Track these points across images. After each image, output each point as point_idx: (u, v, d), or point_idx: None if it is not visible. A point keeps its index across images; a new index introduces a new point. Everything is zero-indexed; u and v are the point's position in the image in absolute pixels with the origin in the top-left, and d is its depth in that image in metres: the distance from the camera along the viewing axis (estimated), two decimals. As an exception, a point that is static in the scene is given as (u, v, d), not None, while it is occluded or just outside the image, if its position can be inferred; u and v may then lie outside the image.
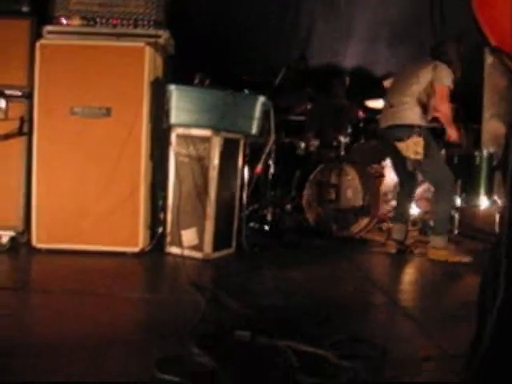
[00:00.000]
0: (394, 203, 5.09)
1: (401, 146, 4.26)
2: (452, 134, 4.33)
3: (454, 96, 4.31)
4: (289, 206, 5.24)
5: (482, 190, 4.96)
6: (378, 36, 6.47)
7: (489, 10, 1.28)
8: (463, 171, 4.99)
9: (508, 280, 1.50)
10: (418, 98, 4.27)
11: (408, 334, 2.53)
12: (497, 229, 5.04)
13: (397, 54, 6.28)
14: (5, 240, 3.75)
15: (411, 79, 4.32)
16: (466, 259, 4.17)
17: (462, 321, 2.71)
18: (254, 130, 3.87)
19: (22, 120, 3.73)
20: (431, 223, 4.60)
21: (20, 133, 3.72)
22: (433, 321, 2.74)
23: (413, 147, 4.17)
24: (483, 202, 4.98)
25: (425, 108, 4.28)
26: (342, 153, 5.41)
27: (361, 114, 5.77)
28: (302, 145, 5.54)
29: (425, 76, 4.26)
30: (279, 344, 2.11)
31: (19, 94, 3.73)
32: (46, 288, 2.90)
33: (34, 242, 3.70)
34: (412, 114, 4.25)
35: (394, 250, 4.45)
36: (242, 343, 2.15)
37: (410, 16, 6.31)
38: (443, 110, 4.24)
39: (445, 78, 4.20)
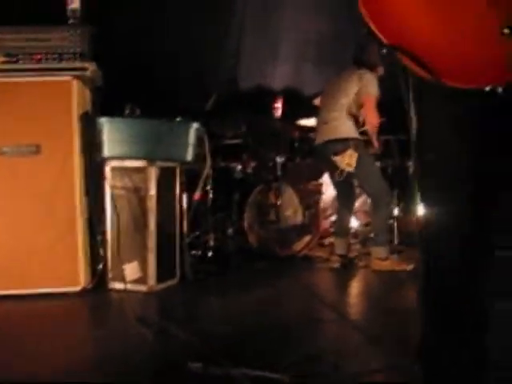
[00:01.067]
0: (333, 218, 5.15)
1: (337, 159, 4.32)
2: (375, 143, 4.42)
3: (382, 107, 4.40)
4: (230, 230, 5.21)
5: (418, 198, 5.08)
6: (305, 56, 6.58)
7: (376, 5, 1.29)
8: (398, 181, 5.11)
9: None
10: (349, 110, 4.35)
11: (359, 347, 2.54)
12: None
13: (324, 72, 6.38)
14: None
15: (339, 93, 4.41)
16: (410, 267, 4.25)
17: (411, 328, 2.75)
18: (189, 156, 3.85)
19: None
20: (372, 235, 4.67)
21: None
22: (381, 331, 2.77)
23: (347, 159, 4.24)
24: (420, 210, 5.09)
25: (357, 119, 4.36)
26: (279, 173, 5.44)
27: (294, 133, 5.83)
28: (239, 168, 5.54)
29: (351, 88, 4.35)
30: (233, 372, 2.08)
31: None
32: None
33: (-33, 290, 3.53)
34: (345, 128, 4.33)
35: (338, 265, 4.50)
36: (195, 375, 2.11)
37: (334, 33, 6.44)
38: (370, 119, 4.32)
39: (371, 88, 4.29)
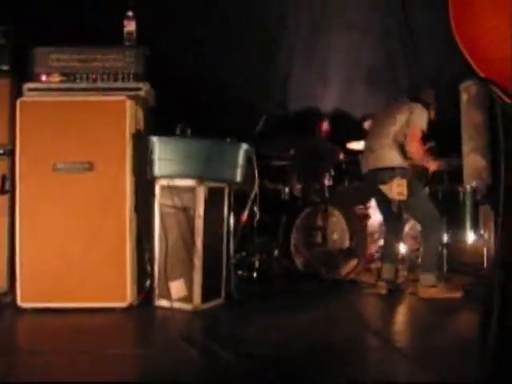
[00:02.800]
0: (381, 243, 5.08)
1: (384, 188, 4.29)
2: (430, 165, 4.36)
3: (430, 135, 4.35)
4: (276, 252, 5.19)
5: (468, 225, 4.98)
6: (354, 78, 6.56)
7: (470, 36, 1.29)
8: (448, 207, 5.01)
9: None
10: (395, 139, 4.30)
11: (407, 376, 2.49)
12: (485, 263, 5.06)
13: (374, 95, 6.36)
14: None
15: (388, 121, 4.38)
16: (457, 294, 4.16)
17: (460, 356, 2.69)
18: (238, 177, 3.86)
19: (3, 178, 3.69)
20: (420, 261, 4.58)
21: (2, 191, 3.68)
22: (430, 359, 2.70)
23: (396, 189, 4.19)
24: (469, 237, 4.99)
25: (404, 149, 4.30)
26: (327, 195, 5.41)
27: (342, 156, 5.80)
28: (286, 190, 5.54)
29: (401, 117, 4.31)
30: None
31: (1, 152, 3.70)
32: (34, 349, 2.81)
33: (19, 302, 3.61)
34: (392, 156, 4.29)
35: (384, 291, 4.42)
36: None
37: (384, 56, 6.42)
38: (412, 149, 4.26)
39: (419, 119, 4.26)
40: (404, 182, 4.18)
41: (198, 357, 2.62)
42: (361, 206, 5.37)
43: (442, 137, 4.87)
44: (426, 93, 4.48)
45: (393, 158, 4.28)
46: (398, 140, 4.30)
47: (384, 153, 4.32)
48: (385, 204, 4.47)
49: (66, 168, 3.64)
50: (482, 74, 1.30)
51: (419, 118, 4.26)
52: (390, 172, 4.25)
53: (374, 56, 6.41)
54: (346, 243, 4.98)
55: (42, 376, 2.44)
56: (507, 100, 1.33)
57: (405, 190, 4.18)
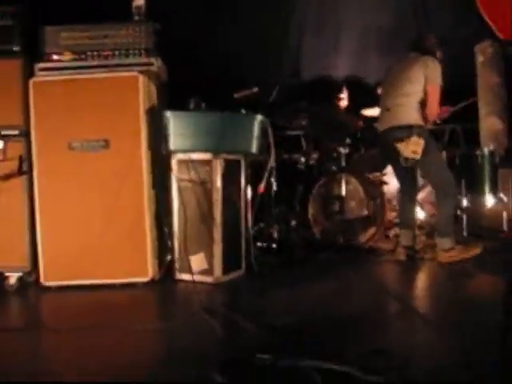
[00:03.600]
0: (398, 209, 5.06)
1: (400, 146, 4.22)
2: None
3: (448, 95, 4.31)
4: (294, 222, 5.20)
5: (487, 189, 4.94)
6: (367, 45, 6.50)
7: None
8: (466, 171, 4.97)
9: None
10: (414, 97, 4.24)
11: (429, 341, 2.50)
12: (504, 227, 5.03)
13: (387, 62, 6.28)
14: (13, 281, 3.71)
15: (403, 80, 4.30)
16: (477, 250, 4.15)
17: (481, 323, 2.69)
18: (254, 149, 3.85)
19: (20, 159, 3.71)
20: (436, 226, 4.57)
21: (20, 172, 3.70)
22: (452, 325, 2.71)
23: (412, 147, 4.13)
24: (489, 201, 4.96)
25: (422, 107, 4.25)
26: (343, 164, 5.39)
27: (361, 124, 5.75)
28: (302, 159, 5.51)
29: (416, 74, 4.23)
30: (302, 364, 2.08)
31: (16, 133, 3.72)
32: (59, 326, 2.85)
33: (43, 280, 3.66)
34: (409, 115, 4.23)
35: (403, 257, 4.42)
36: (264, 367, 2.11)
37: (396, 22, 6.34)
38: (433, 110, 4.22)
39: (435, 76, 4.19)
40: (421, 141, 4.13)
41: (220, 329, 2.65)
42: (377, 173, 5.35)
43: (458, 99, 4.84)
44: (428, 38, 4.41)
45: (410, 116, 4.23)
46: (416, 98, 4.24)
47: (401, 111, 4.26)
48: (401, 166, 4.42)
49: (81, 146, 3.65)
50: (499, 34, 1.26)
51: (435, 73, 4.19)
52: (408, 130, 4.19)
53: (386, 22, 6.33)
54: (364, 211, 4.96)
55: (68, 350, 2.48)
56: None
57: (419, 149, 4.12)
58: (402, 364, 2.12)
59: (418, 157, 4.14)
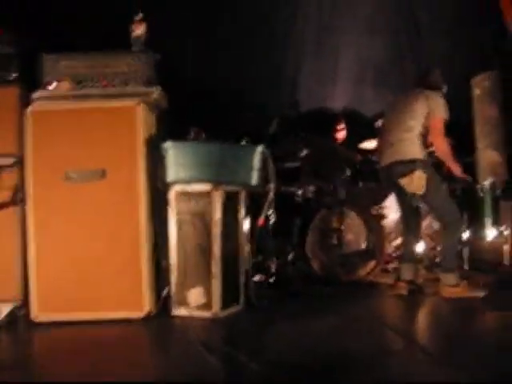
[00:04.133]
0: (398, 242, 4.99)
1: (404, 181, 4.18)
2: (455, 169, 4.26)
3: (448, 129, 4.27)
4: (291, 255, 5.11)
5: (488, 222, 4.89)
6: (363, 77, 6.52)
7: None
8: (467, 204, 4.92)
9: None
10: (416, 132, 4.22)
11: (434, 377, 2.40)
12: (505, 260, 4.96)
13: (384, 94, 6.29)
14: (3, 314, 3.58)
15: (406, 114, 4.28)
16: (482, 293, 4.07)
17: (489, 360, 2.61)
18: (254, 180, 3.78)
19: (15, 189, 3.63)
20: (439, 260, 4.49)
21: (14, 202, 3.61)
22: (457, 362, 2.61)
23: (416, 182, 4.09)
24: (490, 234, 4.90)
25: (425, 141, 4.23)
26: (342, 197, 5.33)
27: (359, 157, 5.72)
28: (300, 192, 5.45)
29: (419, 109, 4.21)
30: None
31: (11, 162, 3.64)
32: (50, 367, 2.69)
33: (34, 315, 3.53)
34: (413, 149, 4.20)
35: (405, 292, 4.33)
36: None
37: (391, 54, 6.37)
38: (439, 145, 4.19)
39: (439, 110, 4.17)
40: (424, 175, 4.09)
41: (219, 365, 2.54)
42: (376, 206, 5.29)
43: (454, 134, 4.81)
44: (434, 74, 4.40)
45: (413, 151, 4.19)
46: (418, 133, 4.21)
47: (404, 146, 4.23)
48: (404, 200, 4.37)
49: (78, 176, 3.57)
50: None
51: (439, 107, 4.17)
52: (411, 164, 4.15)
53: (383, 55, 6.36)
54: (363, 244, 4.90)
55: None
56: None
57: (423, 184, 4.08)
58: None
59: (421, 192, 4.09)
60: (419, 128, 4.21)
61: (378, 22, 6.31)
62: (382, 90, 6.38)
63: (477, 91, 6.12)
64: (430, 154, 4.33)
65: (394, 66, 6.40)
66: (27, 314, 3.59)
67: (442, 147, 4.19)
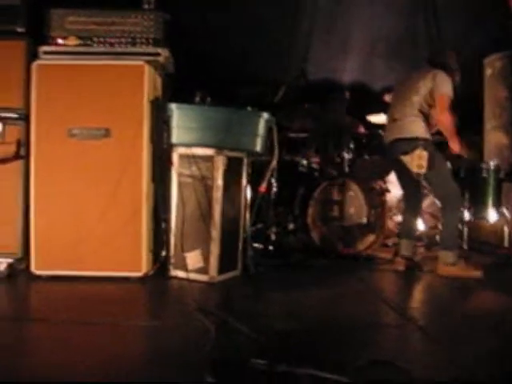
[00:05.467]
0: (399, 218, 4.99)
1: (405, 159, 4.17)
2: (454, 146, 4.22)
3: (455, 108, 4.22)
4: (292, 226, 5.12)
5: (490, 203, 4.86)
6: (376, 51, 6.43)
7: None
8: (470, 184, 4.89)
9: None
10: (420, 109, 4.18)
11: (429, 355, 2.42)
12: (505, 242, 4.96)
13: (395, 69, 6.22)
14: (2, 267, 3.61)
15: (411, 91, 4.25)
16: (477, 274, 4.07)
17: (480, 338, 2.62)
18: (258, 147, 3.77)
19: (18, 143, 3.63)
20: (438, 238, 4.49)
21: (17, 156, 3.62)
22: (451, 339, 2.63)
23: (417, 160, 4.07)
24: (491, 215, 4.88)
25: (428, 119, 4.20)
26: (346, 169, 5.31)
27: (362, 129, 5.68)
28: (304, 162, 5.44)
29: (424, 86, 4.18)
30: (299, 372, 1.99)
31: (16, 116, 3.63)
32: (48, 317, 2.76)
33: (33, 269, 3.57)
34: (415, 127, 4.17)
35: (402, 268, 4.34)
36: (258, 371, 2.03)
37: (406, 30, 6.28)
38: (444, 120, 4.14)
39: (444, 87, 4.12)
40: (425, 154, 4.06)
41: (213, 330, 2.56)
42: (379, 181, 5.27)
43: (463, 112, 4.77)
44: (449, 56, 4.33)
45: (416, 129, 4.17)
46: (422, 110, 4.19)
47: (407, 123, 4.20)
48: (405, 177, 4.35)
49: (81, 134, 3.57)
50: None
51: (444, 85, 4.12)
52: (413, 142, 4.13)
53: (396, 28, 6.26)
54: (364, 218, 4.89)
55: (54, 343, 2.39)
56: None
57: (424, 163, 4.06)
58: (402, 378, 2.04)
59: (423, 170, 4.07)
60: (422, 104, 4.17)
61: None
62: (394, 64, 6.30)
63: (488, 71, 6.06)
64: (433, 135, 4.30)
65: (406, 41, 6.30)
66: (27, 268, 3.63)
67: (446, 122, 4.14)
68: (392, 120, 4.36)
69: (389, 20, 6.20)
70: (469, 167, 4.97)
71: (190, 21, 4.94)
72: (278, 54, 5.94)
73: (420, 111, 4.19)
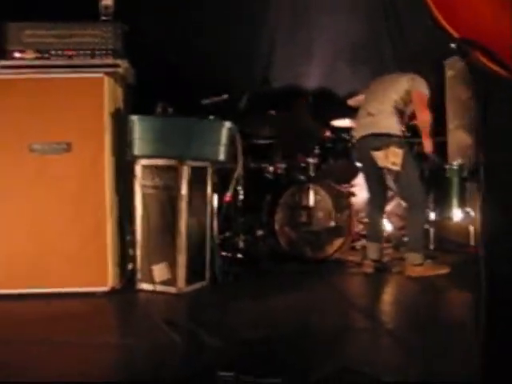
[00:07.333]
0: (366, 220, 5.02)
1: (378, 155, 4.18)
2: (427, 144, 4.27)
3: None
4: (261, 232, 5.11)
5: (455, 203, 4.92)
6: (339, 55, 6.47)
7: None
8: (434, 184, 4.95)
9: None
10: (396, 106, 4.24)
11: (397, 359, 2.43)
12: (471, 241, 5.02)
13: (358, 73, 6.27)
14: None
15: (389, 88, 4.32)
16: (445, 270, 4.12)
17: (450, 339, 2.64)
18: (222, 156, 3.76)
19: (-23, 160, 3.55)
20: (406, 239, 4.53)
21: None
22: (419, 342, 2.65)
23: (391, 158, 4.10)
24: (456, 215, 4.94)
25: (402, 117, 4.25)
26: (312, 174, 5.32)
27: (327, 134, 5.70)
28: (270, 168, 5.44)
29: (402, 84, 4.27)
30: (265, 382, 1.98)
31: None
32: (9, 338, 2.70)
33: (-5, 287, 3.49)
34: (390, 123, 4.21)
35: (371, 270, 4.37)
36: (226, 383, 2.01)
37: (368, 33, 6.33)
38: (424, 117, 4.19)
39: (423, 87, 4.21)
40: (400, 152, 4.10)
41: (182, 343, 2.54)
42: (346, 184, 5.30)
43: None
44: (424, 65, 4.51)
45: (391, 126, 4.21)
46: (397, 107, 4.24)
47: (382, 118, 4.23)
48: (373, 175, 4.38)
49: (42, 149, 3.51)
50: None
51: (423, 85, 4.22)
52: (387, 139, 4.16)
53: (359, 33, 6.31)
54: (332, 222, 4.90)
55: (15, 367, 2.33)
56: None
57: (399, 161, 4.09)
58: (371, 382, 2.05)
59: (398, 168, 4.10)
60: (398, 101, 4.24)
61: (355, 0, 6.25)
62: (357, 68, 6.36)
63: (450, 72, 6.14)
64: (406, 132, 4.37)
65: (370, 46, 6.36)
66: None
67: (425, 118, 4.18)
68: (366, 114, 4.36)
69: (352, 25, 6.25)
70: (433, 168, 5.03)
71: (150, 31, 4.90)
72: (240, 62, 5.93)
73: (395, 108, 4.25)
